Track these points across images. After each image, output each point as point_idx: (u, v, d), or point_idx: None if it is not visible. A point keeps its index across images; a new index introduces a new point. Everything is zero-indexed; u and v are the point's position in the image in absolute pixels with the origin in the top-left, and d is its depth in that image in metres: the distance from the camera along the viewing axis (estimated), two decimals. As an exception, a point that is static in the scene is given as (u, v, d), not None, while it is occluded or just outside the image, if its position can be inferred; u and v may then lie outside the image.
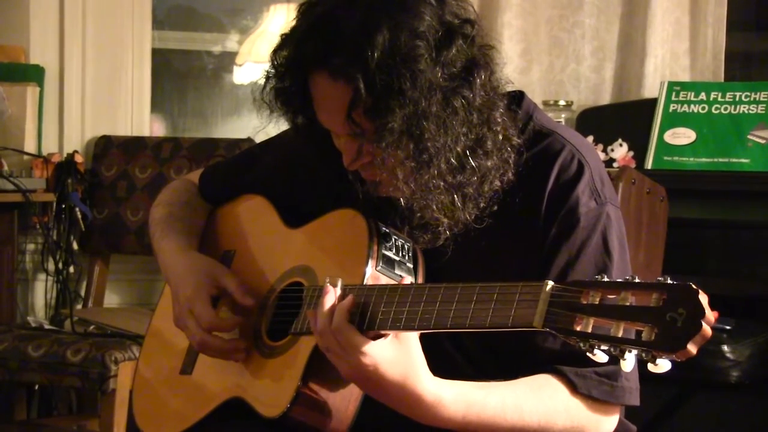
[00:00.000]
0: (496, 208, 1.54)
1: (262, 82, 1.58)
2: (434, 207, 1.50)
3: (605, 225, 1.56)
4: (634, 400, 1.55)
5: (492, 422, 1.45)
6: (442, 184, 1.49)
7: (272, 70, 1.56)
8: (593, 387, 1.51)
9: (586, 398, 1.51)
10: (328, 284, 1.46)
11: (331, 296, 1.45)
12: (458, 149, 1.49)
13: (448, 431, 1.47)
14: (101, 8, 3.78)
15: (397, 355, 1.41)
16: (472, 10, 1.53)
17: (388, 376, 1.40)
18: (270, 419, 1.56)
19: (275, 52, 1.55)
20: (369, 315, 1.43)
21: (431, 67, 1.45)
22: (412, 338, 1.42)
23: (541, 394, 1.49)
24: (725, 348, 3.04)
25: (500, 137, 1.53)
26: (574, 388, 1.50)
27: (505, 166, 1.53)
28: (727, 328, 3.05)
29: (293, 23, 1.54)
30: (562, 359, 1.50)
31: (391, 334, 1.42)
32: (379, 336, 1.42)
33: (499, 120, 1.53)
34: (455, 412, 1.43)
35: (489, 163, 1.52)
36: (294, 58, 1.52)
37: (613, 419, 1.56)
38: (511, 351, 1.53)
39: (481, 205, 1.53)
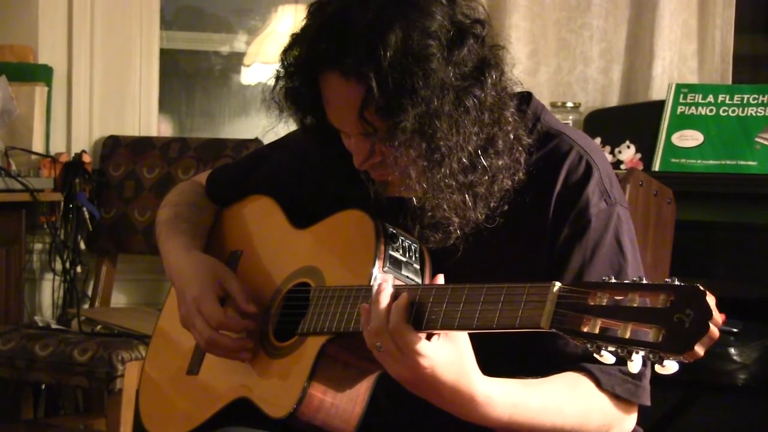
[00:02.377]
0: (506, 207, 1.54)
1: (271, 82, 1.58)
2: (445, 206, 1.50)
3: (617, 225, 1.56)
4: (648, 400, 1.55)
5: (535, 422, 1.45)
6: (453, 183, 1.49)
7: (282, 70, 1.56)
8: (617, 384, 1.51)
9: (610, 395, 1.51)
10: (382, 281, 1.43)
11: (387, 294, 1.42)
12: (470, 148, 1.49)
13: (485, 429, 1.46)
14: (109, 8, 3.79)
15: (453, 356, 1.39)
16: (482, 11, 1.53)
17: (443, 378, 1.38)
18: (276, 420, 1.56)
19: (285, 51, 1.55)
20: (423, 314, 1.40)
21: (443, 67, 1.45)
22: (463, 337, 1.40)
23: (578, 393, 1.49)
24: (732, 350, 3.04)
25: (511, 137, 1.53)
26: (598, 384, 1.50)
27: (516, 166, 1.53)
28: (735, 330, 3.05)
29: (304, 23, 1.54)
30: (586, 359, 1.49)
31: (442, 333, 1.39)
32: (431, 335, 1.40)
33: (510, 120, 1.53)
34: (502, 413, 1.42)
35: (500, 163, 1.52)
36: (305, 58, 1.52)
37: (632, 418, 1.56)
38: (524, 355, 1.51)
39: (492, 204, 1.53)
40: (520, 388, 1.44)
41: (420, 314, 1.40)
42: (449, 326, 1.38)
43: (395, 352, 1.39)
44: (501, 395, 1.42)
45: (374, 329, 1.41)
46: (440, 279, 1.45)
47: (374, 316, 1.41)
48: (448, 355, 1.38)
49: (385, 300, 1.41)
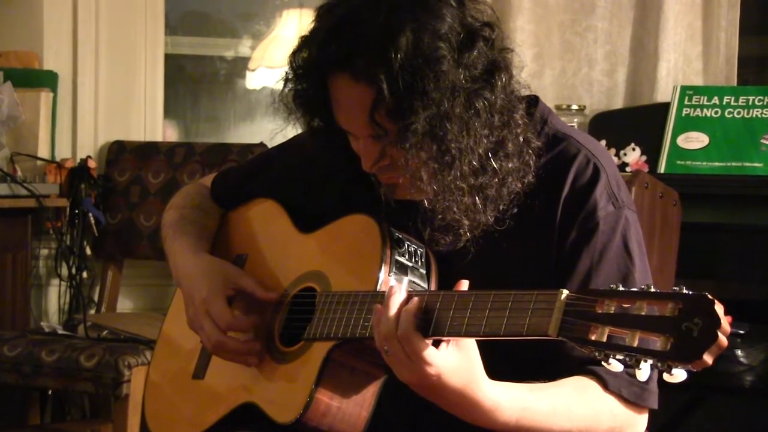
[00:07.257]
0: (516, 210, 1.54)
1: (279, 85, 1.58)
2: (455, 209, 1.50)
3: (624, 228, 1.56)
4: (656, 404, 1.55)
5: (543, 426, 1.45)
6: (464, 185, 1.49)
7: (291, 72, 1.56)
8: (623, 387, 1.50)
9: (618, 397, 1.51)
10: (394, 285, 1.43)
11: (398, 299, 1.41)
12: (480, 151, 1.49)
13: None
14: (114, 14, 3.79)
15: (460, 364, 1.38)
16: (491, 14, 1.54)
17: (449, 384, 1.38)
18: (283, 425, 1.56)
19: (294, 54, 1.55)
20: (431, 321, 1.39)
21: (454, 69, 1.46)
22: (472, 345, 1.40)
23: (586, 396, 1.49)
24: (739, 352, 3.03)
25: (521, 139, 1.53)
26: (605, 386, 1.50)
27: (526, 169, 1.54)
28: (741, 332, 3.04)
29: (313, 25, 1.54)
30: (592, 362, 1.48)
31: (452, 340, 1.39)
32: (440, 341, 1.39)
33: (520, 122, 1.53)
34: (510, 417, 1.42)
35: (510, 165, 1.52)
36: (315, 60, 1.51)
37: (643, 420, 1.55)
38: (531, 359, 1.50)
39: (501, 207, 1.53)
40: (528, 393, 1.44)
41: (428, 321, 1.39)
42: (456, 333, 1.38)
43: (403, 358, 1.39)
44: (508, 400, 1.42)
45: (383, 333, 1.40)
46: (464, 285, 1.43)
47: (384, 321, 1.40)
48: (454, 364, 1.38)
49: (395, 305, 1.40)
